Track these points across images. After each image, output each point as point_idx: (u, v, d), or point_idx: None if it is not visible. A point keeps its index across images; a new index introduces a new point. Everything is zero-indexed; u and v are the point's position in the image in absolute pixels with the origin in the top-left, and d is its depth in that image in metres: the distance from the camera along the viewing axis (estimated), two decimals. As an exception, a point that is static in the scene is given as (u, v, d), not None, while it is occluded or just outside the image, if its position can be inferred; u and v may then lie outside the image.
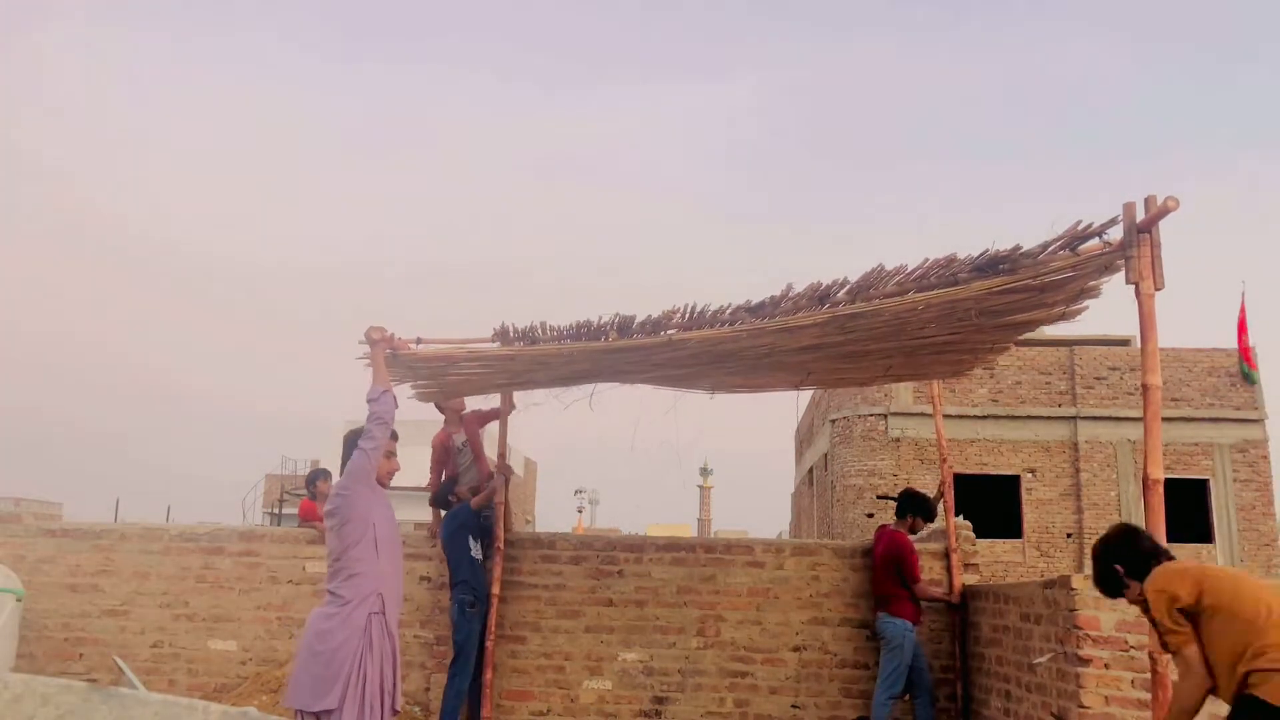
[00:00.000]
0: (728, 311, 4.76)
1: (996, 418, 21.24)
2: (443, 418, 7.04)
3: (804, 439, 28.83)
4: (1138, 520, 3.76)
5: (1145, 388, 3.67)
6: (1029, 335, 5.43)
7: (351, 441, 4.16)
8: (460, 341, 5.27)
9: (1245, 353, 21.22)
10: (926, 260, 4.22)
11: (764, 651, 6.74)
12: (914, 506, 6.59)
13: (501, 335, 5.21)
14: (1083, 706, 4.46)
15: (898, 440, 21.39)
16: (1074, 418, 21.16)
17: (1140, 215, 3.63)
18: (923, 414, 20.63)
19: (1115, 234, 3.72)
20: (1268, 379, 22.03)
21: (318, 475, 7.77)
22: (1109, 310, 3.82)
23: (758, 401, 6.41)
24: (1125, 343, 21.70)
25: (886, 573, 6.40)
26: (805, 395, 6.32)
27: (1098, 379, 21.15)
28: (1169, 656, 3.43)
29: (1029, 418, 21.23)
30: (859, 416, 21.74)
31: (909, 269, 4.27)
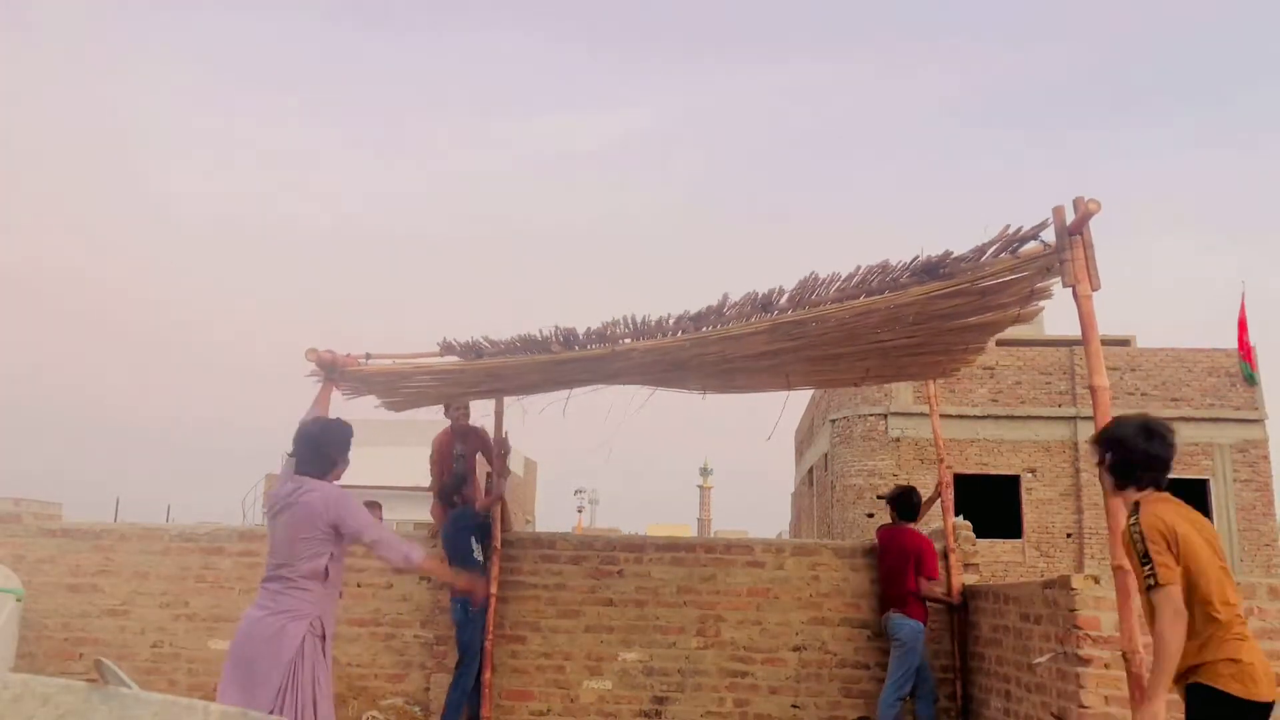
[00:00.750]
0: (671, 321, 4.77)
1: (996, 418, 21.23)
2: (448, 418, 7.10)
3: (804, 439, 28.83)
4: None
5: (1093, 389, 3.60)
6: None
7: (313, 436, 3.93)
8: (409, 356, 5.39)
9: (1247, 353, 21.19)
10: (860, 267, 4.21)
11: (764, 651, 6.74)
12: (900, 506, 6.65)
13: (447, 349, 5.30)
14: (1083, 706, 4.46)
15: (898, 440, 21.39)
16: (1074, 418, 21.15)
17: (1070, 218, 3.56)
18: (922, 414, 20.62)
19: (1049, 237, 3.66)
20: (1268, 379, 22.03)
21: None
22: (1106, 310, 3.74)
23: (758, 403, 6.41)
24: (1125, 343, 21.69)
25: (903, 571, 6.37)
26: (795, 398, 6.30)
27: (1098, 379, 21.12)
28: (1142, 656, 3.33)
29: (1029, 418, 21.22)
30: (859, 416, 21.73)
31: (846, 275, 4.26)
